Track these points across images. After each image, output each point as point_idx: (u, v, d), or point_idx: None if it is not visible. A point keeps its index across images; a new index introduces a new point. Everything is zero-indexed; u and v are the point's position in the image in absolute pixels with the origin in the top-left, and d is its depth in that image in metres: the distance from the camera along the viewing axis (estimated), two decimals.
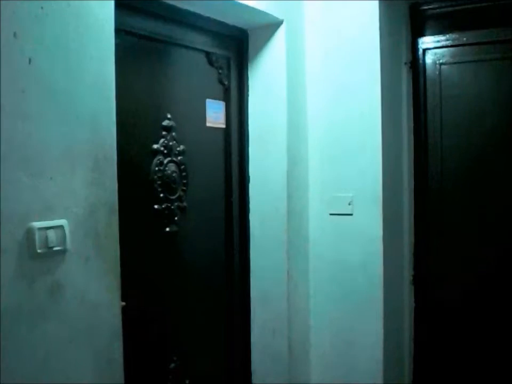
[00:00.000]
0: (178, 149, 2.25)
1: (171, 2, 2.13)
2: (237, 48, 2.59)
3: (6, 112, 1.35)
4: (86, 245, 1.58)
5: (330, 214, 2.65)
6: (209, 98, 2.43)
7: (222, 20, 2.42)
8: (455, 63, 2.68)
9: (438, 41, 2.70)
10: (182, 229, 2.27)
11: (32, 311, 1.43)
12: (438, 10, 2.71)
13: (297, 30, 2.61)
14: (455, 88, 2.67)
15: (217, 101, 2.48)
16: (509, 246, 2.55)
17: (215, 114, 2.47)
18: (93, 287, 1.61)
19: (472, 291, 2.65)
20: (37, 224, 1.43)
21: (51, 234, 1.46)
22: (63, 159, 1.51)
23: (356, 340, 2.59)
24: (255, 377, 2.64)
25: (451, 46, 2.67)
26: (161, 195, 2.17)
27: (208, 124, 2.43)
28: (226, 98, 2.52)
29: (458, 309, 2.69)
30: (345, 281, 2.61)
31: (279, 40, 2.55)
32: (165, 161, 2.18)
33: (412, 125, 2.78)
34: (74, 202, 1.54)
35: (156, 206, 2.15)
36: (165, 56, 2.22)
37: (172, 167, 2.21)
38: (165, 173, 2.18)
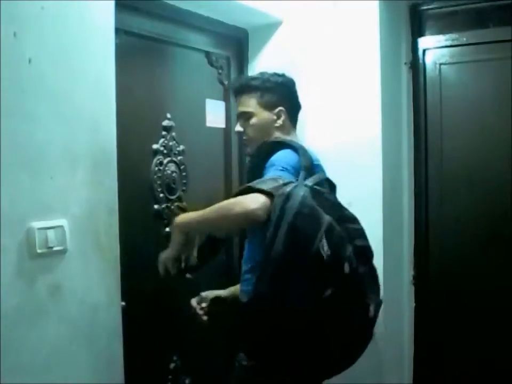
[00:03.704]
0: (178, 149, 2.24)
1: (171, 2, 2.13)
2: (237, 48, 2.59)
3: (6, 112, 1.35)
4: (86, 245, 1.58)
5: None
6: (209, 98, 2.43)
7: (222, 19, 2.42)
8: (455, 63, 2.67)
9: (438, 41, 2.69)
10: None
11: (32, 311, 1.43)
12: (438, 10, 2.71)
13: (297, 30, 2.61)
14: (455, 88, 2.67)
15: (217, 101, 2.48)
16: (510, 246, 2.55)
17: (215, 114, 2.47)
18: (92, 287, 1.61)
19: (472, 291, 2.65)
20: (37, 224, 1.43)
21: (51, 234, 1.46)
22: (63, 159, 1.51)
23: None
24: None
25: (451, 46, 2.67)
26: (161, 195, 2.17)
27: (208, 124, 2.43)
28: (226, 98, 2.52)
29: (459, 309, 2.69)
30: None
31: (279, 40, 2.55)
32: (165, 161, 2.18)
33: (412, 125, 2.78)
34: (74, 202, 1.54)
35: (155, 206, 2.15)
36: (165, 56, 2.22)
37: (171, 167, 2.21)
38: (165, 173, 2.18)
